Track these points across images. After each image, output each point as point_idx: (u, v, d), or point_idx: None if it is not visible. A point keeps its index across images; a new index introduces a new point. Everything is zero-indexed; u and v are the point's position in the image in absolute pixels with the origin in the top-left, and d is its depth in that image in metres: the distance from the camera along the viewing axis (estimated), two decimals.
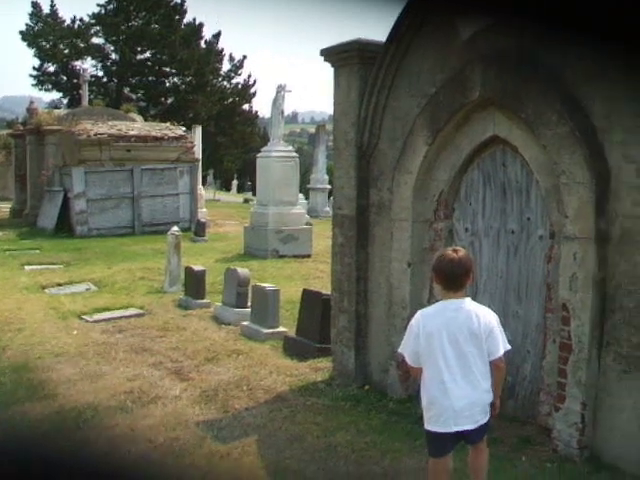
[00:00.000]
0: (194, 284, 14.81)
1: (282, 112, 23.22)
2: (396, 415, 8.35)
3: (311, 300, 11.22)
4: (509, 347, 5.62)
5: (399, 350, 5.70)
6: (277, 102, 23.13)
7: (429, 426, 5.48)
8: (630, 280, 6.68)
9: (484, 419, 5.46)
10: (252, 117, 66.31)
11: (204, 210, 30.88)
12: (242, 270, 13.68)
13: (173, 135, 30.28)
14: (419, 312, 5.65)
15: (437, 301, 6.05)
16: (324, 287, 11.87)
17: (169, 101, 62.44)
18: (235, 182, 66.66)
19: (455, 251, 5.48)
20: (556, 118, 6.99)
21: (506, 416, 7.58)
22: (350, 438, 7.67)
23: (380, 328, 9.26)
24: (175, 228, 17.47)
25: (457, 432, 5.39)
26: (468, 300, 5.48)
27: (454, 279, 5.37)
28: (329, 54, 9.81)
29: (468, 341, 5.33)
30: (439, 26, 8.39)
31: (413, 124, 8.53)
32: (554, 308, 7.32)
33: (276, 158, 21.85)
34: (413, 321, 5.51)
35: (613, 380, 6.87)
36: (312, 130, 64.06)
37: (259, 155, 22.91)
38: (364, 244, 9.45)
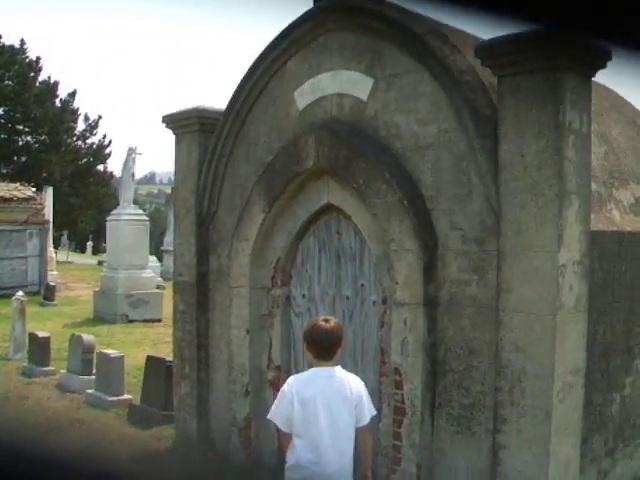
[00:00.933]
0: (39, 351, 14.36)
1: (133, 175, 23.07)
2: None
3: (155, 367, 11.09)
4: (375, 412, 5.72)
5: (268, 417, 5.62)
6: (127, 165, 22.97)
7: None
8: (458, 343, 6.89)
9: None
10: (107, 178, 65.39)
11: (55, 273, 30.15)
12: (87, 336, 13.42)
13: (22, 196, 29.53)
14: (292, 378, 5.64)
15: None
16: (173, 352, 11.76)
17: (22, 160, 60.85)
18: (90, 244, 65.40)
19: (327, 321, 5.51)
20: (385, 188, 7.20)
21: None
22: None
23: (221, 394, 9.23)
24: (20, 293, 17.01)
25: None
26: (339, 368, 5.53)
27: (327, 349, 5.42)
28: (170, 121, 9.86)
29: (341, 408, 5.39)
30: (277, 96, 8.57)
31: (251, 192, 8.63)
32: (388, 372, 7.45)
33: (126, 221, 21.66)
34: (285, 387, 5.48)
35: (446, 441, 7.03)
36: (169, 191, 63.63)
37: (109, 218, 22.68)
38: (205, 310, 9.44)
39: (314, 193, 8.20)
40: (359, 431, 5.51)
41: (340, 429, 5.40)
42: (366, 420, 5.54)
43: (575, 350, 6.43)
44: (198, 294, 9.45)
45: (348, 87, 7.80)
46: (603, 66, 6.29)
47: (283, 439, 5.63)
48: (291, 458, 5.47)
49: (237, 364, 8.79)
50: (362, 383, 5.65)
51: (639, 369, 8.06)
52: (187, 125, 9.61)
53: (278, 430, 5.61)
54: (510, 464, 6.40)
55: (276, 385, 8.38)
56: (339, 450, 5.39)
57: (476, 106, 6.71)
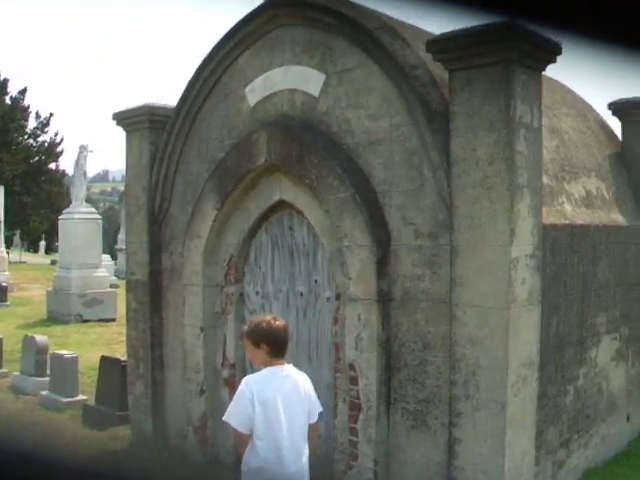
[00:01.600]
0: None
1: (85, 173, 22.79)
2: None
3: (110, 367, 10.98)
4: (321, 408, 5.66)
5: (224, 419, 5.43)
6: (79, 163, 22.69)
7: None
8: (412, 338, 6.90)
9: None
10: (59, 176, 64.63)
11: (7, 273, 29.73)
12: (40, 337, 13.24)
13: None
14: (248, 379, 5.46)
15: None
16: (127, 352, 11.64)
17: None
18: (43, 243, 64.67)
19: (275, 319, 5.45)
20: (337, 183, 7.18)
21: None
22: None
23: (177, 394, 9.16)
24: None
25: None
26: (291, 366, 5.47)
27: (281, 346, 5.35)
28: (121, 118, 9.76)
29: (297, 406, 5.33)
30: (228, 92, 8.51)
31: (202, 189, 8.56)
32: (343, 368, 7.44)
33: (78, 220, 21.39)
34: (243, 388, 5.32)
35: (402, 436, 7.04)
36: (123, 189, 62.95)
37: (61, 217, 22.40)
38: (158, 309, 9.36)
39: (266, 190, 8.15)
40: (309, 428, 5.48)
41: (297, 428, 5.35)
42: (315, 417, 5.51)
43: (529, 343, 6.47)
44: (151, 293, 9.37)
45: (299, 83, 7.77)
46: (553, 60, 6.33)
47: (240, 441, 5.47)
48: (251, 461, 5.33)
49: (192, 363, 8.73)
50: (309, 380, 5.61)
51: (592, 360, 8.14)
52: (138, 122, 9.51)
53: (235, 432, 5.50)
54: (466, 457, 6.43)
55: (231, 383, 8.34)
56: (297, 449, 5.34)
57: (428, 101, 6.72)
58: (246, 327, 5.39)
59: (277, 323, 5.39)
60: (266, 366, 5.41)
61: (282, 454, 5.25)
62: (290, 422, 5.30)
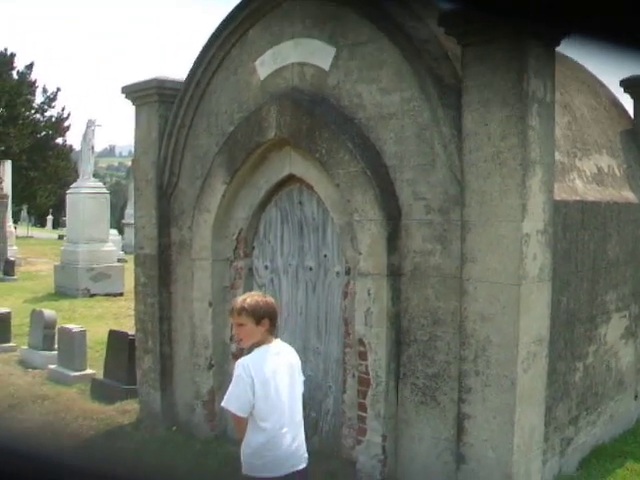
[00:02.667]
0: None
1: (92, 147, 22.78)
2: (203, 456, 8.23)
3: (117, 341, 11.00)
4: (303, 377, 5.63)
5: (223, 404, 5.35)
6: (87, 137, 22.66)
7: (262, 473, 5.23)
8: (422, 313, 6.88)
9: (306, 455, 5.45)
10: (66, 151, 64.63)
11: (14, 248, 29.74)
12: (48, 311, 13.25)
13: None
14: (244, 361, 5.29)
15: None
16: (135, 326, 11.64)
17: None
18: (50, 218, 64.71)
19: (265, 296, 5.48)
20: (348, 158, 7.14)
21: (311, 451, 7.59)
22: None
23: (185, 368, 9.16)
24: None
25: (293, 473, 5.30)
26: (279, 340, 5.44)
27: (276, 322, 5.38)
28: (130, 92, 9.70)
29: (294, 381, 5.35)
30: (238, 65, 8.45)
31: (212, 163, 8.52)
32: (352, 343, 7.43)
33: (86, 195, 21.40)
34: (241, 372, 5.19)
35: (411, 411, 7.03)
36: (130, 164, 62.87)
37: (69, 191, 22.40)
38: (167, 283, 9.33)
39: (276, 164, 8.12)
40: None
41: (297, 403, 5.35)
42: (302, 387, 5.51)
43: (539, 319, 6.45)
44: (160, 267, 9.34)
45: (310, 56, 7.70)
46: (567, 35, 6.24)
47: (239, 424, 5.40)
48: (254, 442, 5.24)
49: (200, 337, 8.73)
50: (294, 350, 5.60)
51: (602, 338, 8.12)
52: (147, 96, 9.45)
53: (234, 416, 5.40)
54: (475, 433, 6.42)
55: (240, 357, 8.33)
56: (297, 424, 5.34)
57: (439, 75, 6.66)
58: (244, 305, 5.28)
59: (271, 299, 5.41)
60: (260, 344, 5.32)
61: (284, 431, 5.23)
62: (290, 397, 5.29)
